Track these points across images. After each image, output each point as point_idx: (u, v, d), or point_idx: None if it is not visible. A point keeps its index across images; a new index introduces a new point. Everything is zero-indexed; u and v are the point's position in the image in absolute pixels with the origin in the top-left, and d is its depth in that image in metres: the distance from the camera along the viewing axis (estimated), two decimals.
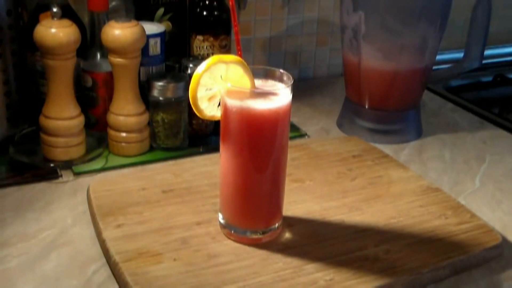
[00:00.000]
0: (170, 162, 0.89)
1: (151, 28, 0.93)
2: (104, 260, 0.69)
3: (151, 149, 0.93)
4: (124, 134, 0.89)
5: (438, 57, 1.02)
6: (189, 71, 0.93)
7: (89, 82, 0.92)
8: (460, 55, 1.07)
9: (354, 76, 1.00)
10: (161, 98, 0.90)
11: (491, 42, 1.29)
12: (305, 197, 0.79)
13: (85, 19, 0.94)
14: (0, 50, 0.86)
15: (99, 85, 0.92)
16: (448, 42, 1.13)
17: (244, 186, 0.69)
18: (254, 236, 0.70)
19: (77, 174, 0.85)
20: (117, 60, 0.85)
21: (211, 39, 0.96)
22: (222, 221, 0.72)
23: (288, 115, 0.68)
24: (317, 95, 1.19)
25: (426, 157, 0.97)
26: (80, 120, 0.86)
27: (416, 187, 0.83)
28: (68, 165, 0.86)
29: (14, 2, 0.88)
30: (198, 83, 0.65)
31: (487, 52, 1.08)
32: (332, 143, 0.94)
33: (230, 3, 0.68)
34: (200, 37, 0.97)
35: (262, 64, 1.18)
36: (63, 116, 0.84)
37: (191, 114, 0.91)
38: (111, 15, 0.95)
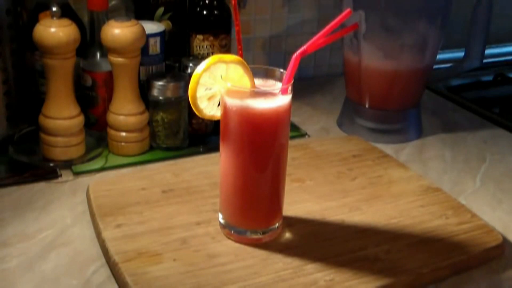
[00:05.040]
0: (170, 162, 0.89)
1: (151, 27, 0.93)
2: (103, 260, 0.68)
3: (151, 148, 0.92)
4: (124, 134, 0.89)
5: (439, 56, 1.01)
6: (189, 71, 0.93)
7: (89, 82, 0.92)
8: (460, 54, 1.07)
9: (355, 76, 1.00)
10: (161, 98, 0.89)
11: (492, 41, 1.29)
12: (305, 197, 0.79)
13: (85, 18, 0.94)
14: None
15: (98, 85, 0.92)
16: (449, 41, 1.13)
17: (244, 186, 0.68)
18: (254, 236, 0.70)
19: (77, 174, 0.85)
20: (116, 59, 0.85)
21: (211, 38, 0.96)
22: (222, 221, 0.71)
23: (288, 114, 0.68)
24: (317, 94, 1.19)
25: (426, 156, 0.96)
26: (80, 119, 0.86)
27: (417, 187, 0.83)
28: (67, 164, 0.86)
29: (14, 1, 0.88)
30: (197, 83, 0.65)
31: (488, 51, 1.08)
32: (332, 142, 0.94)
33: (233, 2, 0.68)
34: (200, 37, 0.96)
35: (262, 63, 1.18)
36: (62, 116, 0.84)
37: (191, 114, 0.90)
38: (111, 14, 0.95)
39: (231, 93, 0.65)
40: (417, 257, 0.69)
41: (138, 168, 0.88)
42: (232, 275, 0.64)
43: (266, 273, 0.65)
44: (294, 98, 0.68)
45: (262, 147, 0.67)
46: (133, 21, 0.86)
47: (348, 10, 0.68)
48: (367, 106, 1.01)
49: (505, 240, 0.74)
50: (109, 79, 0.90)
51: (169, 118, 0.91)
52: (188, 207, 0.75)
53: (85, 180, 0.84)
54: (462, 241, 0.72)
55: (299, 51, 0.65)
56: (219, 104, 0.67)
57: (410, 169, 0.88)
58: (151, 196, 0.77)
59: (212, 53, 0.97)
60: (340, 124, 1.06)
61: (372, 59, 0.96)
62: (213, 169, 0.81)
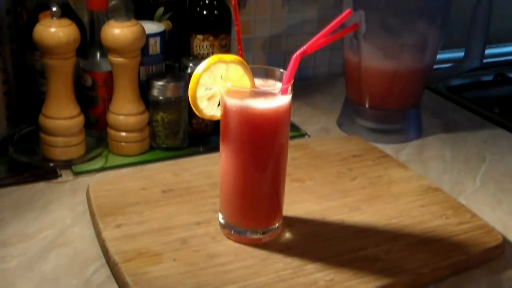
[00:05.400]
0: (170, 162, 0.89)
1: (151, 27, 0.93)
2: (103, 260, 0.68)
3: (151, 148, 0.92)
4: (124, 134, 0.89)
5: (439, 56, 1.01)
6: (189, 71, 0.93)
7: (89, 82, 0.92)
8: (460, 54, 1.07)
9: (355, 76, 1.00)
10: (161, 98, 0.89)
11: (492, 41, 1.29)
12: (305, 197, 0.79)
13: (85, 18, 0.94)
14: None
15: (98, 85, 0.92)
16: (449, 41, 1.13)
17: (244, 186, 0.68)
18: (254, 236, 0.70)
19: (77, 174, 0.85)
20: (116, 59, 0.85)
21: (211, 38, 0.96)
22: (222, 221, 0.71)
23: (288, 114, 0.68)
24: (317, 94, 1.19)
25: (426, 156, 0.96)
26: (80, 119, 0.86)
27: (417, 187, 0.83)
28: (67, 164, 0.86)
29: (14, 1, 0.88)
30: (197, 83, 0.65)
31: (488, 51, 1.08)
32: (332, 142, 0.94)
33: (233, 2, 0.68)
34: (200, 37, 0.96)
35: (262, 63, 1.18)
36: (62, 116, 0.84)
37: (191, 114, 0.90)
38: (111, 14, 0.95)
39: (231, 93, 0.65)
40: (417, 257, 0.69)
41: (138, 168, 0.88)
42: (232, 275, 0.64)
43: (266, 273, 0.65)
44: (294, 98, 0.68)
45: (262, 147, 0.67)
46: (133, 21, 0.86)
47: (348, 10, 0.68)
48: (367, 106, 1.01)
49: (505, 240, 0.74)
50: (109, 79, 0.90)
51: (169, 118, 0.91)
52: (188, 207, 0.75)
53: (85, 180, 0.84)
54: (462, 241, 0.72)
55: (299, 52, 0.65)
56: (219, 104, 0.67)
57: (410, 169, 0.88)
58: (151, 196, 0.77)
59: (212, 53, 0.97)
60: (340, 124, 1.06)
61: (372, 59, 0.96)
62: (213, 169, 0.81)
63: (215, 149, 0.75)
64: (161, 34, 0.93)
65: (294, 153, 0.89)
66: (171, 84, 0.89)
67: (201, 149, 0.93)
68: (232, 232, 0.70)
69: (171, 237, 0.70)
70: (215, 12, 0.96)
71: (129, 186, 0.79)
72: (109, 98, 0.90)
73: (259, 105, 0.65)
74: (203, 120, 0.93)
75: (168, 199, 0.77)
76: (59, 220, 0.75)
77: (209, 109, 0.67)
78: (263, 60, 1.21)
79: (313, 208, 0.77)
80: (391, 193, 0.81)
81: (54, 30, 0.80)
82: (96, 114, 0.93)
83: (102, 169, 0.87)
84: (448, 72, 1.15)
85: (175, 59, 0.97)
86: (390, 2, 0.92)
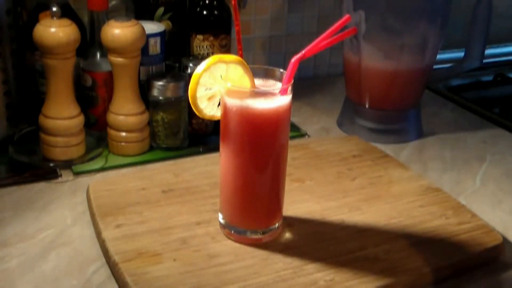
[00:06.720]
0: (170, 162, 0.89)
1: (151, 27, 0.93)
2: (103, 260, 0.68)
3: (151, 148, 0.92)
4: (124, 134, 0.89)
5: (439, 56, 1.01)
6: (189, 71, 0.93)
7: (89, 82, 0.92)
8: (460, 54, 1.07)
9: (355, 76, 1.00)
10: (161, 98, 0.89)
11: (492, 42, 1.29)
12: (305, 197, 0.79)
13: (85, 19, 0.94)
14: None
15: (98, 85, 0.92)
16: (449, 42, 1.13)
17: (244, 186, 0.68)
18: (254, 236, 0.70)
19: (77, 174, 0.85)
20: (117, 59, 0.85)
21: (211, 38, 0.96)
22: (222, 221, 0.71)
23: (288, 114, 0.68)
24: (317, 94, 1.19)
25: (426, 156, 0.96)
26: (80, 119, 0.86)
27: (417, 187, 0.83)
28: (67, 164, 0.86)
29: (14, 1, 0.88)
30: (197, 83, 0.65)
31: (488, 51, 1.08)
32: (332, 142, 0.94)
33: (233, 2, 0.68)
34: (200, 37, 0.96)
35: (262, 63, 1.18)
36: (62, 116, 0.84)
37: (191, 114, 0.90)
38: (111, 14, 0.95)
39: (231, 93, 0.65)
40: (417, 257, 0.69)
41: (138, 168, 0.88)
42: (232, 275, 0.64)
43: (266, 273, 0.65)
44: (294, 98, 0.68)
45: (262, 147, 0.67)
46: (133, 21, 0.86)
47: (347, 16, 0.68)
48: (367, 106, 1.01)
49: (505, 240, 0.74)
50: (109, 79, 0.90)
51: (169, 118, 0.91)
52: (188, 207, 0.75)
53: (85, 180, 0.84)
54: (462, 241, 0.72)
55: (297, 56, 0.65)
56: (219, 104, 0.67)
57: (410, 169, 0.88)
58: (151, 196, 0.77)
59: (212, 53, 0.97)
60: (340, 124, 1.06)
61: (372, 59, 0.96)
62: (213, 169, 0.81)
63: (215, 149, 0.75)
64: (161, 34, 0.94)
65: (294, 153, 0.89)
66: (171, 84, 0.89)
67: (201, 149, 0.93)
68: (232, 232, 0.70)
69: (171, 237, 0.70)
70: (215, 12, 0.96)
71: (129, 186, 0.79)
72: (109, 98, 0.90)
73: (259, 105, 0.65)
74: (203, 120, 0.93)
75: (168, 199, 0.77)
76: (59, 220, 0.75)
77: (209, 109, 0.67)
78: (263, 60, 1.21)
79: (313, 208, 0.77)
80: (391, 193, 0.81)
81: (54, 30, 0.80)
82: (96, 114, 0.93)
83: (102, 169, 0.87)
84: (448, 72, 1.15)
85: (175, 59, 0.97)
86: (390, 2, 0.92)
